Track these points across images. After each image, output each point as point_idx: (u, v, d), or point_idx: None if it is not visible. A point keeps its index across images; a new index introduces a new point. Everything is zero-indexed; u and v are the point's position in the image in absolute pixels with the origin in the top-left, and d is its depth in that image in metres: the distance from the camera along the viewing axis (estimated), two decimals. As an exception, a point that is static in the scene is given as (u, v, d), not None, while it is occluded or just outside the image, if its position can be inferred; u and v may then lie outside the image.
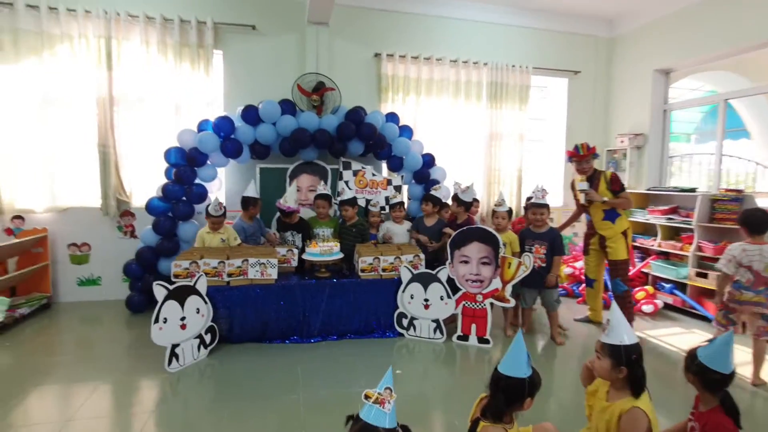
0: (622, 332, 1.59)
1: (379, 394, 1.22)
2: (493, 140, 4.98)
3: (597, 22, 5.36)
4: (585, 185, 3.42)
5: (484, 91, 4.96)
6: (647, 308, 3.94)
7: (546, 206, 3.33)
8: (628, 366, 1.56)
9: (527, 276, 3.21)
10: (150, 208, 3.83)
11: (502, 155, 5.02)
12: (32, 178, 3.94)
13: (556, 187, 5.49)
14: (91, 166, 4.05)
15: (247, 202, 3.63)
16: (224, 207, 3.50)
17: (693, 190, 4.31)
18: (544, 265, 3.31)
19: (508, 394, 1.47)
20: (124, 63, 3.99)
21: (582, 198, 3.45)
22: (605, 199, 3.39)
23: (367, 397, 1.22)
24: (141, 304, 3.84)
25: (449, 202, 3.91)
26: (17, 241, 3.77)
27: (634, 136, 5.07)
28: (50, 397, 2.47)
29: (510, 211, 3.52)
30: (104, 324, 3.67)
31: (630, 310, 3.47)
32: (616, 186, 3.39)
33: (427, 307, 3.28)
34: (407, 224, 3.92)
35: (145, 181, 4.15)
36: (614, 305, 1.65)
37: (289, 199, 3.62)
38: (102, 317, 3.81)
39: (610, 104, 5.55)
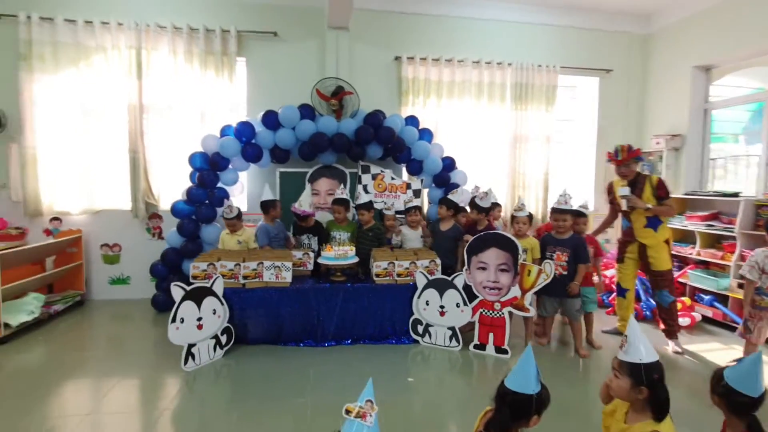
0: (641, 349, 1.46)
1: (360, 407, 1.19)
2: (518, 143, 4.83)
3: (630, 18, 5.09)
4: (626, 191, 3.16)
5: (508, 92, 4.82)
6: (684, 321, 3.66)
7: (569, 212, 3.18)
8: (650, 386, 1.43)
9: (547, 284, 3.07)
10: (175, 210, 3.96)
11: (527, 158, 4.86)
12: (70, 181, 4.19)
13: (586, 191, 5.25)
14: (122, 171, 4.25)
15: (266, 206, 3.68)
16: (237, 209, 3.57)
17: (736, 194, 3.99)
18: (565, 273, 3.15)
19: (514, 410, 1.39)
20: (153, 72, 4.17)
21: (623, 204, 3.20)
22: (649, 206, 3.12)
23: (347, 411, 1.18)
24: (166, 304, 3.95)
25: (467, 206, 3.80)
26: (55, 241, 4.00)
27: (671, 137, 4.76)
28: (73, 391, 2.59)
29: (530, 217, 3.38)
30: (131, 322, 3.82)
31: (677, 322, 3.28)
32: (662, 192, 3.12)
33: (442, 314, 3.21)
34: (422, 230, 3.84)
35: (171, 185, 4.31)
36: (632, 320, 1.53)
37: (304, 202, 3.64)
38: (130, 315, 3.97)
39: (645, 104, 5.25)
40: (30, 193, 4.06)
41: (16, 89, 3.96)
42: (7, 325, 3.25)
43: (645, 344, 1.46)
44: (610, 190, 3.43)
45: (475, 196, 3.64)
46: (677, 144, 4.75)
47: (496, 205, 3.79)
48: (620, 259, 3.42)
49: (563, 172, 5.36)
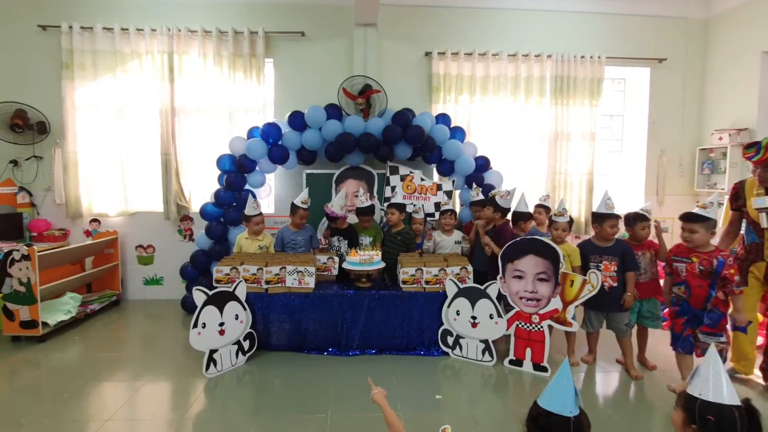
0: (709, 385, 1.21)
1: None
2: (559, 140, 4.53)
3: (686, 2, 4.62)
4: (766, 201, 2.52)
5: (547, 87, 4.53)
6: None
7: (617, 217, 2.88)
8: (701, 428, 1.19)
9: (594, 296, 2.78)
10: (204, 213, 3.99)
11: (569, 157, 4.55)
12: (107, 184, 4.33)
13: (636, 194, 4.85)
14: (155, 173, 4.34)
15: (292, 209, 3.58)
16: (260, 207, 3.49)
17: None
18: (615, 284, 2.84)
19: None
20: (184, 75, 4.23)
21: (764, 221, 2.54)
22: None
23: None
24: (194, 306, 3.96)
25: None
26: (93, 242, 4.13)
27: (737, 132, 4.26)
28: (98, 393, 2.60)
29: (571, 222, 3.09)
30: (162, 323, 3.88)
31: None
32: None
33: (474, 325, 3.00)
34: (458, 234, 3.65)
35: (202, 187, 4.36)
36: (713, 351, 1.26)
37: (336, 205, 3.54)
38: (162, 316, 4.03)
39: (704, 95, 4.75)
40: (71, 196, 4.23)
41: (59, 97, 4.14)
42: (45, 324, 3.35)
43: (719, 381, 1.20)
44: (738, 194, 2.74)
45: (495, 196, 3.44)
46: (744, 139, 4.24)
47: (528, 217, 3.36)
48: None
49: (610, 173, 4.99)
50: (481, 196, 3.72)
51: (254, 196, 3.75)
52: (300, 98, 4.25)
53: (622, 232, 3.03)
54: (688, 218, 2.53)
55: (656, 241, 2.95)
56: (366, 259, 3.14)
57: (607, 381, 2.84)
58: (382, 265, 3.24)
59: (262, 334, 3.09)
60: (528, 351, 2.91)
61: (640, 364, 2.98)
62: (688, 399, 1.25)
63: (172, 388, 2.68)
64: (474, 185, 3.99)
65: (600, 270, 2.86)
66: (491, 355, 2.99)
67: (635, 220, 2.95)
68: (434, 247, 3.61)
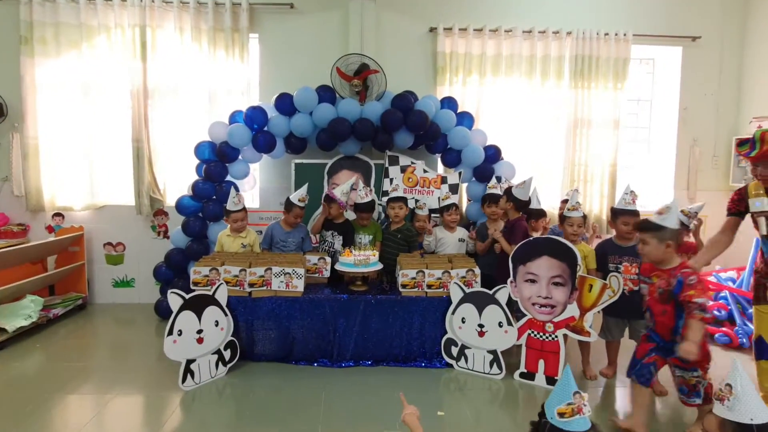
0: (752, 406, 1.23)
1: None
2: (579, 128, 4.54)
3: (725, -28, 4.62)
4: (765, 203, 2.36)
5: (566, 68, 4.53)
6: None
7: (634, 213, 2.89)
8: None
9: (613, 302, 2.81)
10: (180, 207, 3.99)
11: (589, 147, 4.56)
12: (71, 174, 4.32)
13: (665, 188, 4.87)
14: (125, 162, 4.34)
15: (288, 206, 3.55)
16: (243, 202, 3.49)
17: None
18: (636, 288, 2.85)
19: None
20: (159, 52, 4.21)
21: (762, 226, 2.40)
22: None
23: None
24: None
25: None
26: (56, 239, 4.14)
27: (778, 120, 4.27)
28: (63, 407, 2.61)
29: (585, 218, 3.10)
30: (133, 329, 3.90)
31: None
32: None
33: (482, 334, 3.02)
34: (461, 232, 3.66)
35: (178, 178, 4.35)
36: (738, 366, 1.28)
37: (340, 192, 3.57)
38: (133, 322, 4.05)
39: (742, 78, 4.76)
40: (31, 187, 4.23)
41: (17, 75, 4.11)
42: (3, 330, 3.37)
43: (756, 399, 1.22)
44: (741, 198, 2.54)
45: (511, 186, 3.44)
46: (786, 128, 4.24)
47: (540, 214, 3.41)
48: (759, 299, 2.54)
49: (635, 165, 5.00)
50: (497, 189, 3.61)
51: (236, 189, 3.75)
52: (288, 79, 4.23)
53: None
54: (638, 227, 2.42)
55: (688, 241, 2.95)
56: (361, 259, 3.14)
57: (629, 397, 2.85)
58: (380, 266, 3.24)
59: (245, 343, 3.09)
60: (541, 363, 2.93)
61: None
62: (740, 428, 1.25)
63: (145, 402, 2.69)
64: (496, 178, 3.94)
65: (620, 272, 2.88)
66: (500, 367, 3.01)
67: (617, 215, 2.93)
68: (435, 243, 3.62)
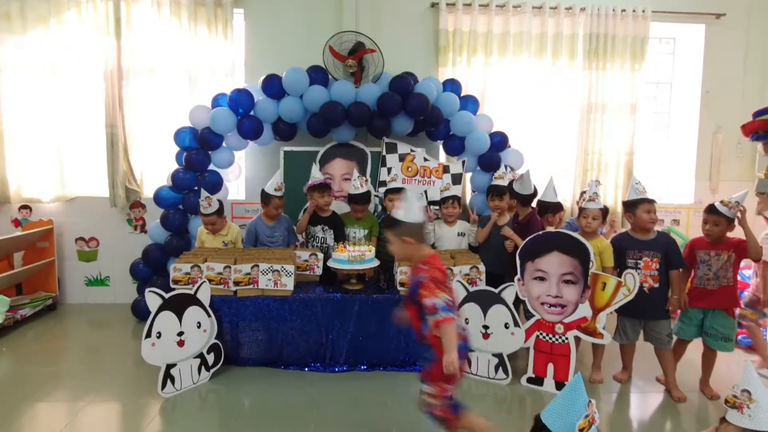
0: None
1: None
2: (593, 113, 4.56)
3: (753, -57, 4.60)
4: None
5: (579, 47, 4.53)
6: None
7: (652, 201, 2.92)
8: None
9: (630, 300, 2.82)
10: (159, 199, 3.98)
11: (604, 133, 4.58)
12: (40, 162, 4.30)
13: (686, 177, 4.89)
14: (99, 150, 4.31)
15: (265, 198, 3.55)
16: (218, 203, 3.48)
17: None
18: (657, 285, 2.88)
19: None
20: (134, 28, 4.19)
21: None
22: None
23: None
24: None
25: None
26: (23, 233, 4.11)
27: (809, 104, 4.26)
28: (32, 416, 2.61)
29: (605, 211, 3.10)
30: (108, 332, 3.90)
31: None
32: None
33: (486, 336, 3.04)
34: (461, 226, 3.68)
35: (156, 167, 4.34)
36: (751, 370, 1.29)
37: (316, 175, 3.60)
38: (107, 324, 4.05)
39: (770, 59, 4.75)
40: (-5, 177, 4.20)
41: (-22, 54, 4.08)
42: (-35, 333, 3.36)
43: None
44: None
45: (513, 180, 3.47)
46: (817, 113, 4.25)
47: (557, 208, 3.46)
48: None
49: (653, 153, 5.01)
50: (504, 180, 3.61)
51: (219, 179, 3.74)
52: (277, 59, 4.22)
53: (667, 225, 3.04)
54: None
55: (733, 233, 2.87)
56: (356, 256, 3.14)
57: (645, 404, 2.88)
58: (376, 263, 3.25)
59: (230, 346, 3.10)
60: (550, 367, 2.95)
61: (701, 393, 2.96)
62: None
63: (121, 411, 2.69)
64: (504, 167, 3.93)
65: (639, 268, 2.88)
66: (506, 372, 3.03)
67: (635, 204, 2.91)
68: (433, 238, 3.64)
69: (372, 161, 4.22)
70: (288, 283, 3.09)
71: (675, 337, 2.99)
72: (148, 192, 4.36)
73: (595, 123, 4.54)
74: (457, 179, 4.14)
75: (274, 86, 3.86)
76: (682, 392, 2.89)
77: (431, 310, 1.88)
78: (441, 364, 1.88)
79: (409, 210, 2.06)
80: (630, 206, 2.96)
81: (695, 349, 3.02)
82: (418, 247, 2.06)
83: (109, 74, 4.14)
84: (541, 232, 3.02)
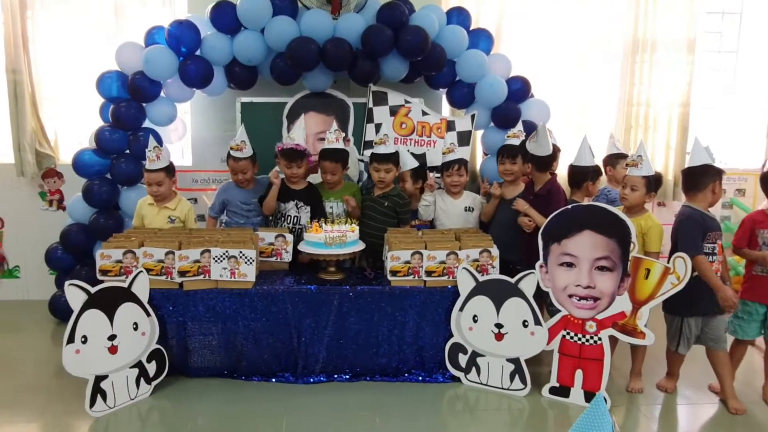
0: None
1: None
2: (639, 53, 4.61)
3: None
4: None
5: (623, -34, 4.53)
6: None
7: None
8: None
9: (691, 292, 2.87)
10: (80, 165, 3.96)
11: (653, 80, 4.62)
12: None
13: (754, 136, 4.98)
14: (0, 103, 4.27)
15: (228, 157, 3.60)
16: (167, 157, 3.50)
17: None
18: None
19: None
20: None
21: None
22: None
23: None
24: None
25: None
26: None
27: None
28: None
29: (653, 180, 3.14)
30: (19, 336, 3.92)
31: None
32: None
33: (500, 336, 3.10)
34: (469, 198, 3.72)
35: (75, 125, 4.33)
36: None
37: (297, 136, 3.62)
38: (18, 326, 4.08)
39: None
40: None
41: None
42: None
43: None
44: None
45: (526, 138, 3.52)
46: None
47: (596, 174, 3.53)
48: None
49: (714, 105, 5.05)
50: (517, 139, 3.65)
51: (157, 138, 3.71)
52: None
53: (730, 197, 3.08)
54: None
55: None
56: (335, 237, 3.16)
57: (695, 418, 2.98)
58: (361, 246, 3.27)
59: (176, 353, 3.13)
60: (578, 374, 3.01)
61: (765, 402, 3.07)
62: None
63: (39, 434, 2.72)
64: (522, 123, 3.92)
65: (714, 254, 2.95)
66: (524, 380, 3.09)
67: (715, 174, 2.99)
68: (432, 213, 3.68)
69: (355, 115, 4.22)
70: (248, 273, 3.10)
71: (730, 337, 3.08)
72: (65, 157, 4.34)
73: (642, 66, 4.58)
74: (464, 138, 4.16)
75: (226, 17, 3.82)
76: (741, 403, 2.98)
77: None
78: None
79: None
80: (712, 174, 2.99)
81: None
82: None
83: (7, 5, 4.06)
84: (569, 207, 3.04)
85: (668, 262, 2.91)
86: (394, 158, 3.63)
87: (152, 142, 3.48)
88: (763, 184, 3.11)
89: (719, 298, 2.87)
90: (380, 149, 3.63)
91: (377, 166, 3.61)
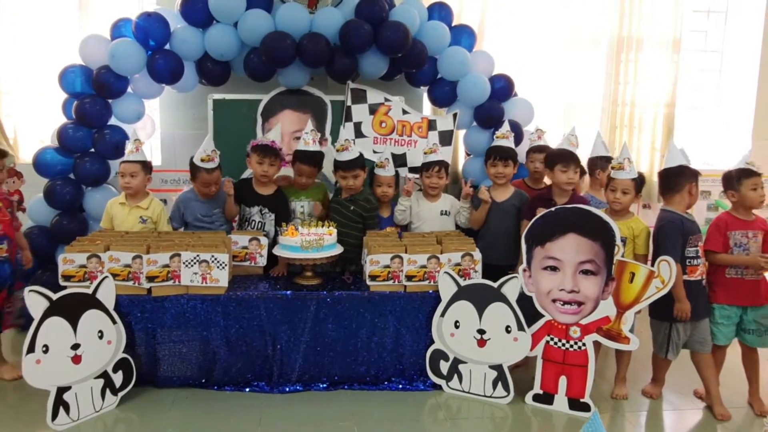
0: None
1: None
2: (623, 51, 4.69)
3: None
4: None
5: (608, -38, 4.59)
6: None
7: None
8: None
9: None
10: (41, 164, 3.91)
11: (638, 79, 4.70)
12: None
13: (740, 136, 5.04)
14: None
15: (192, 170, 3.53)
16: (146, 155, 3.51)
17: None
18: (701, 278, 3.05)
19: None
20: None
21: None
22: None
23: None
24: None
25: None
26: None
27: None
28: None
29: (639, 181, 3.23)
30: (-25, 346, 3.84)
31: None
32: None
33: (482, 343, 3.13)
34: (447, 201, 3.75)
35: (36, 121, 4.30)
36: None
37: (273, 135, 3.66)
38: (-26, 335, 3.99)
39: None
40: None
41: None
42: None
43: None
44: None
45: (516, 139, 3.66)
46: None
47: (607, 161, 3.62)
48: None
49: (701, 105, 5.13)
50: (507, 141, 3.69)
51: (118, 144, 3.71)
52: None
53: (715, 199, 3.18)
54: None
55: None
56: (312, 241, 3.17)
57: (681, 424, 3.04)
58: (339, 249, 3.28)
59: (144, 362, 3.11)
60: (562, 381, 3.04)
61: (750, 407, 3.13)
62: None
63: (-3, 450, 2.70)
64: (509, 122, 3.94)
65: (698, 257, 3.01)
66: (507, 388, 3.12)
67: (740, 177, 3.09)
68: (409, 217, 3.70)
69: (333, 114, 4.23)
70: (221, 278, 3.09)
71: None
72: (25, 156, 4.30)
73: (627, 65, 4.65)
74: (446, 138, 4.19)
75: (197, 9, 3.80)
76: (726, 409, 3.04)
77: None
78: None
79: None
80: (744, 174, 3.10)
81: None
82: None
83: (-36, -9, 4.02)
84: (553, 208, 3.08)
85: (652, 266, 2.97)
86: (359, 162, 3.60)
87: (134, 135, 3.49)
88: (725, 182, 3.19)
89: (677, 308, 2.96)
90: (344, 156, 3.56)
91: (344, 174, 3.56)
